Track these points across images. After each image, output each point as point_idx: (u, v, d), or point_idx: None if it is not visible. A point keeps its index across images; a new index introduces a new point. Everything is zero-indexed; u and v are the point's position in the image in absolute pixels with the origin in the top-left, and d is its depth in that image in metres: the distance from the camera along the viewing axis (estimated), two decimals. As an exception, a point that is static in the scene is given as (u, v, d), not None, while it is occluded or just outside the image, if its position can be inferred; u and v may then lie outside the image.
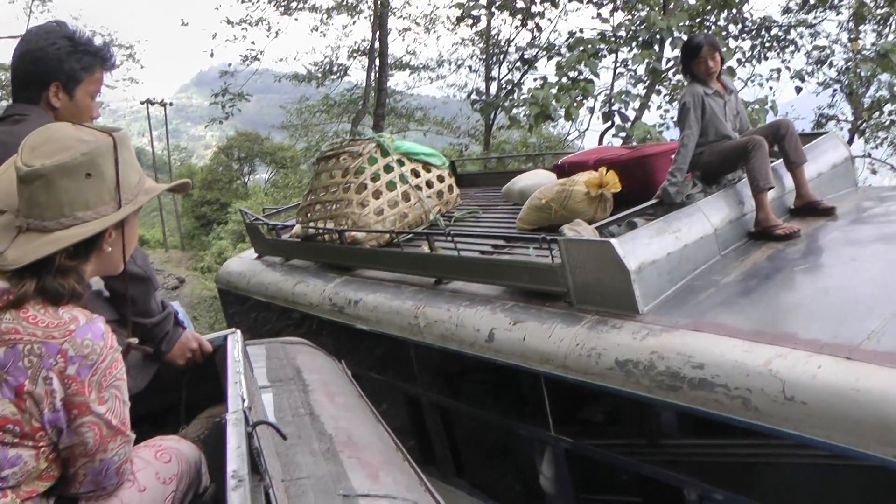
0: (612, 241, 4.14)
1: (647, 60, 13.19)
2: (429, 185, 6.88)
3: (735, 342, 3.47)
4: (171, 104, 59.02)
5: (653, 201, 5.01)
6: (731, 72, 13.20)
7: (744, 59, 15.56)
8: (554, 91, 11.98)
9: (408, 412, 5.90)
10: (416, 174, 6.84)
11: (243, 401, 2.14)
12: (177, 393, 2.90)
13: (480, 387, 5.21)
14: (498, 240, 5.66)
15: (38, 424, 1.78)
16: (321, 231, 6.67)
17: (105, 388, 1.85)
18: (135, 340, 2.42)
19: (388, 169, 6.66)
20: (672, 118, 14.74)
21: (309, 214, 6.98)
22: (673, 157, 5.12)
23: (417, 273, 5.66)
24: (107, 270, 2.12)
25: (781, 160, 5.10)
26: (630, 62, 15.15)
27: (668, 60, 14.25)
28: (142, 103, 54.88)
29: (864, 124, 17.71)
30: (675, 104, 13.68)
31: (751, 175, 4.80)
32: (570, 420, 4.45)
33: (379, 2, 21.42)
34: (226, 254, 31.64)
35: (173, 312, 2.88)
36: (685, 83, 5.42)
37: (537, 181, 6.40)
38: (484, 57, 22.03)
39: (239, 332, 2.90)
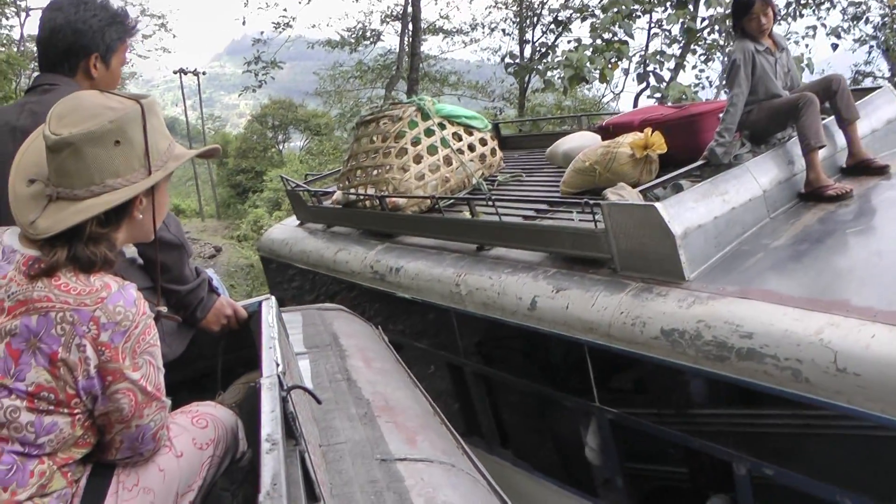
0: (657, 204, 4.01)
1: (681, 20, 13.23)
2: (471, 148, 6.76)
3: (785, 310, 3.35)
4: (203, 73, 59.18)
5: (699, 163, 4.86)
6: None
7: (779, 17, 14.62)
8: (588, 53, 12.11)
9: (451, 382, 5.85)
10: (458, 137, 6.71)
11: (277, 365, 2.15)
12: (213, 360, 2.92)
13: (523, 356, 5.14)
14: (540, 204, 5.54)
15: (72, 392, 1.79)
16: (362, 197, 6.59)
17: (139, 355, 1.86)
18: (164, 309, 2.41)
19: (428, 133, 6.55)
20: (707, 78, 15.49)
21: (349, 180, 6.90)
22: (721, 116, 4.95)
23: (459, 239, 5.57)
24: (138, 238, 2.12)
25: (833, 117, 4.91)
26: (664, 22, 15.03)
27: (703, 20, 14.24)
28: (175, 73, 55.44)
29: (902, 80, 17.13)
30: (710, 64, 14.68)
31: (801, 133, 4.63)
32: (615, 390, 4.36)
33: (412, -35, 21.07)
34: (261, 222, 32.11)
35: (207, 279, 2.88)
36: (735, 39, 5.23)
37: (582, 143, 6.25)
38: (518, 20, 22.02)
39: (273, 298, 2.90)
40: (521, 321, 4.59)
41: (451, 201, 6.07)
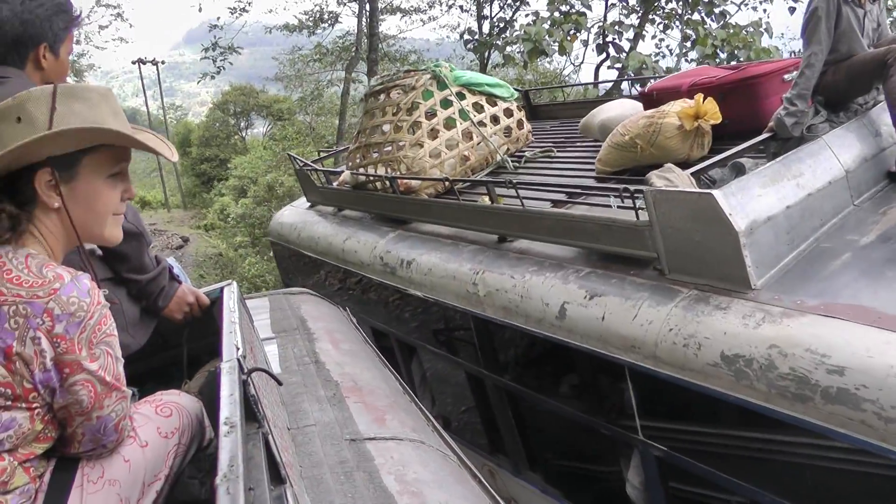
0: (715, 192, 3.18)
1: None
2: (494, 120, 5.98)
3: (889, 337, 2.53)
4: (163, 63, 58.84)
5: (764, 136, 4.08)
6: None
7: None
8: (546, 26, 12.59)
9: (472, 394, 5.12)
10: (479, 108, 5.96)
11: (237, 349, 2.15)
12: (178, 349, 2.91)
13: (553, 372, 4.39)
14: (570, 189, 4.69)
15: (29, 386, 1.78)
16: (371, 178, 5.83)
17: (95, 345, 1.84)
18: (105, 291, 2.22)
19: (445, 104, 5.79)
20: (668, 46, 16.01)
21: (359, 159, 6.14)
22: (790, 77, 4.12)
23: (478, 228, 4.78)
24: (70, 241, 2.03)
25: None
26: None
27: None
28: (133, 63, 54.86)
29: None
30: (669, 32, 15.55)
31: (891, 97, 3.79)
32: (664, 423, 3.57)
33: (366, -56, 21.44)
34: (228, 210, 32.79)
35: (168, 267, 2.88)
36: None
37: (621, 112, 5.45)
38: None
39: (235, 283, 2.90)
40: (548, 332, 3.82)
41: (469, 184, 5.28)
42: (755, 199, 3.26)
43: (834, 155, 3.66)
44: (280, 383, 2.54)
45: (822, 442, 2.69)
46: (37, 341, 1.75)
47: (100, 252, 2.62)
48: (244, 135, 51.16)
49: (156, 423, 2.14)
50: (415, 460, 2.53)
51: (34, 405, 1.81)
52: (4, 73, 2.62)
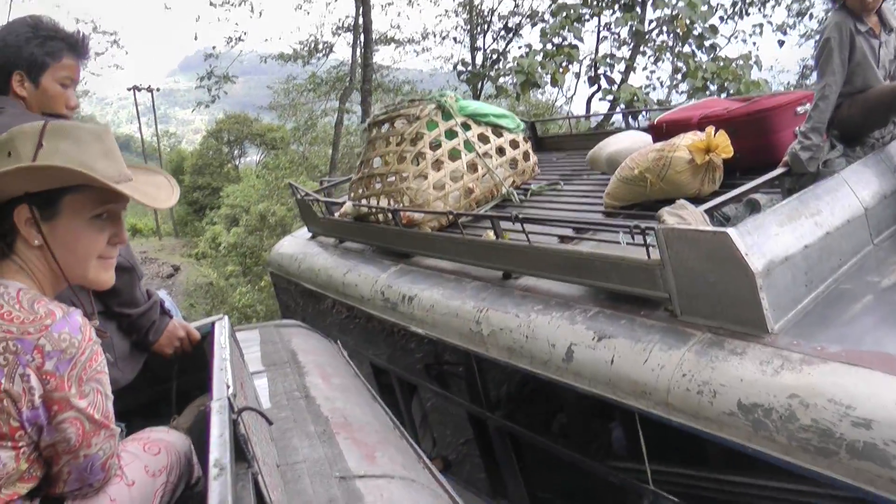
0: (730, 230, 3.03)
1: (629, 23, 14.00)
2: (500, 152, 5.86)
3: (919, 388, 2.38)
4: (158, 90, 59.02)
5: (779, 170, 3.92)
6: (714, 29, 13.49)
7: (725, 17, 16.24)
8: (539, 58, 12.79)
9: (474, 435, 4.95)
10: (485, 140, 5.82)
11: (228, 387, 2.14)
12: (168, 384, 2.90)
13: (559, 415, 4.20)
14: (577, 224, 4.53)
15: (16, 424, 1.74)
16: (373, 210, 5.69)
17: (85, 382, 1.81)
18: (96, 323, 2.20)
19: (450, 135, 5.67)
20: (658, 78, 16.44)
21: (361, 190, 6.01)
22: (802, 110, 3.98)
23: (483, 264, 4.63)
24: (58, 283, 2.01)
25: None
26: (613, 25, 15.75)
27: (651, 22, 14.88)
28: (129, 90, 55.02)
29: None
30: (660, 65, 15.88)
31: (910, 131, 3.65)
32: (677, 474, 3.40)
33: (361, -24, 21.55)
34: (220, 239, 32.91)
35: (159, 301, 2.86)
36: (831, 12, 4.21)
37: (630, 145, 5.33)
38: (468, 27, 22.56)
39: (226, 318, 2.88)
40: (555, 375, 3.66)
41: (475, 217, 5.15)
42: (772, 238, 3.11)
43: (852, 192, 3.52)
44: (270, 422, 2.53)
45: (847, 494, 2.53)
46: (26, 378, 1.72)
47: (87, 287, 2.48)
48: (237, 163, 51.17)
49: (143, 461, 2.12)
50: (406, 499, 2.53)
51: (20, 444, 1.77)
52: (2, 104, 2.66)
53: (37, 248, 1.93)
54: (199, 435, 2.37)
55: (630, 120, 10.93)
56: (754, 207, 3.62)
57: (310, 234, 7.20)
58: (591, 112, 16.27)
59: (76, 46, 2.82)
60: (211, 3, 22.21)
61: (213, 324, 2.86)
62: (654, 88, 16.28)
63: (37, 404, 1.75)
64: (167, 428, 2.41)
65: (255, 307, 22.73)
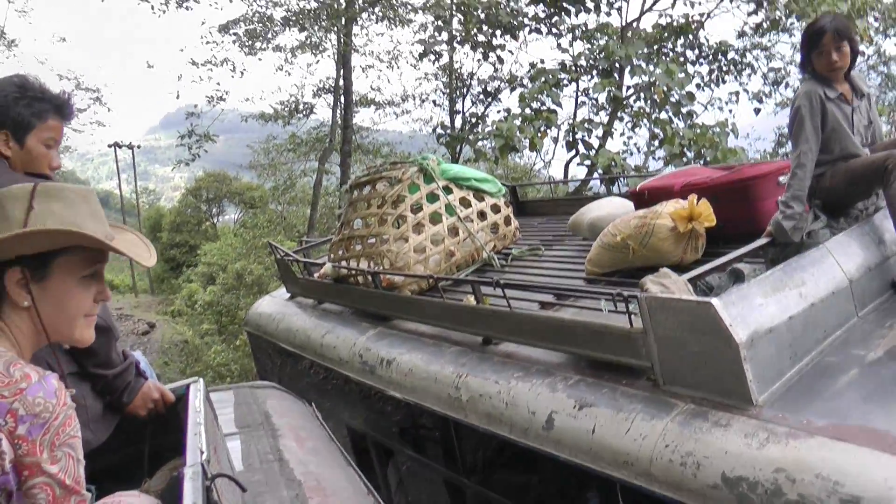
0: (714, 300, 2.99)
1: (607, 89, 14.08)
2: (481, 216, 5.84)
3: (908, 465, 2.32)
4: (138, 147, 59.83)
5: (762, 240, 3.89)
6: (691, 96, 13.72)
7: (702, 84, 16.29)
8: (518, 122, 12.84)
9: (449, 502, 4.84)
10: (467, 203, 5.81)
11: (201, 453, 2.11)
12: (140, 445, 2.89)
13: (540, 484, 4.11)
14: (559, 291, 4.49)
15: None
16: (353, 272, 5.64)
17: (58, 448, 1.80)
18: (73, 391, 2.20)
19: (431, 198, 5.65)
20: (635, 144, 16.51)
21: (341, 251, 5.96)
22: (784, 179, 3.98)
23: (463, 329, 4.56)
24: (40, 335, 2.01)
25: None
26: (591, 91, 15.72)
27: (628, 88, 15.04)
28: (109, 146, 55.20)
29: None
30: (637, 130, 15.95)
31: (893, 205, 3.65)
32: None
33: (342, 40, 21.70)
34: (196, 296, 33.25)
35: (135, 362, 2.86)
36: (803, 80, 4.24)
37: (611, 211, 5.32)
38: (448, 91, 22.47)
39: (202, 381, 2.85)
40: (535, 443, 3.58)
41: (455, 281, 5.10)
42: (756, 308, 3.07)
43: (837, 263, 3.50)
44: (244, 489, 2.47)
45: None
46: None
47: (66, 345, 2.49)
48: (215, 221, 51.70)
49: None
50: (378, 566, 2.50)
51: None
52: None
53: (23, 310, 1.94)
54: (172, 501, 2.32)
55: (609, 185, 10.98)
56: (738, 277, 3.59)
57: (288, 295, 7.11)
58: (570, 177, 16.43)
59: (62, 108, 2.85)
60: (193, 63, 22.33)
61: (187, 386, 2.85)
62: (632, 154, 16.51)
63: (7, 469, 1.73)
64: (138, 492, 2.39)
65: (230, 366, 22.61)
